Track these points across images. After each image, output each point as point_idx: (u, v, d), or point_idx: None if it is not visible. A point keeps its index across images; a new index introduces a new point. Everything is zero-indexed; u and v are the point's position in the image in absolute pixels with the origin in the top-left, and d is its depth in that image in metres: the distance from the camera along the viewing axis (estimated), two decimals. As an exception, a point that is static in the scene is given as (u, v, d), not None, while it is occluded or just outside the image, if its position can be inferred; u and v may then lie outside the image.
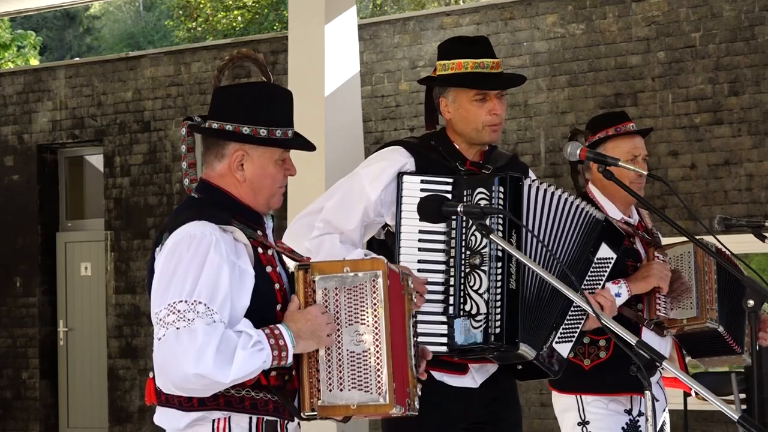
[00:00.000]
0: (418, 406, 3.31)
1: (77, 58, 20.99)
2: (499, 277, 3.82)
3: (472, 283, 3.84)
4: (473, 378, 4.05)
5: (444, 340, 3.87)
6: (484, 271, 3.83)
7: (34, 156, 13.20)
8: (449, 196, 3.92)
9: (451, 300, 3.88)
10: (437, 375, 3.97)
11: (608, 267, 4.19)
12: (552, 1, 10.60)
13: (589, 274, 4.14)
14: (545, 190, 4.02)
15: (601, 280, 4.19)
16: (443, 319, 3.88)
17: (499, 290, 3.82)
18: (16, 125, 13.30)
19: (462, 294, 3.86)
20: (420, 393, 3.34)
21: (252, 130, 3.23)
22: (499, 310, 3.81)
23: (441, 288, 3.90)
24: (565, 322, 4.02)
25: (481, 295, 3.83)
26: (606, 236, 4.16)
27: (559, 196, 4.05)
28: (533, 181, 4.05)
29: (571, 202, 4.07)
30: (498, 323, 3.81)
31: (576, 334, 4.08)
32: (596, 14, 10.42)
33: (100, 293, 12.87)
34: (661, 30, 10.12)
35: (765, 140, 9.73)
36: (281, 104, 3.30)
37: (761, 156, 9.73)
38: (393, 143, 4.16)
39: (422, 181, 3.95)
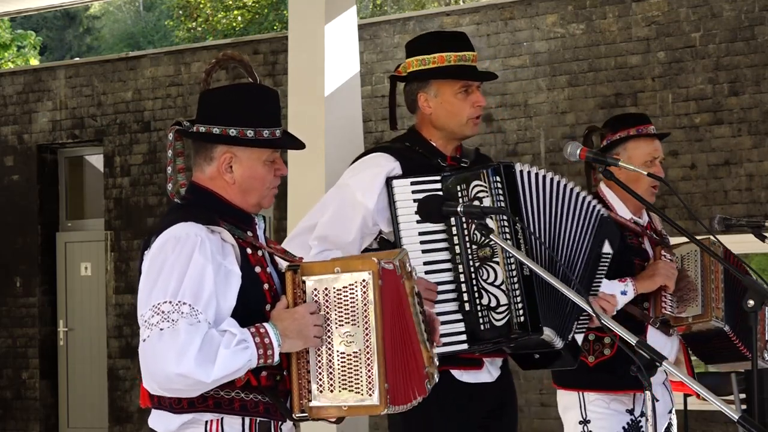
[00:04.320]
0: (437, 379, 3.28)
1: (77, 58, 20.99)
2: (513, 267, 3.79)
3: (485, 277, 3.80)
4: (489, 372, 4.04)
5: (463, 338, 3.82)
6: (497, 263, 3.80)
7: (34, 156, 13.20)
8: (439, 194, 3.88)
9: (465, 296, 3.83)
10: (456, 373, 3.95)
11: (608, 262, 4.17)
12: (552, 1, 10.60)
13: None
14: (537, 174, 3.98)
15: (603, 276, 4.16)
16: (459, 317, 3.83)
17: (515, 279, 3.79)
18: (16, 125, 13.31)
19: (476, 289, 3.82)
20: (438, 363, 3.30)
21: (239, 132, 3.22)
22: (519, 299, 3.78)
23: (452, 286, 3.85)
24: (582, 312, 4.01)
25: (498, 286, 3.79)
26: (608, 231, 4.15)
27: (556, 182, 4.01)
28: (523, 165, 4.01)
29: (572, 189, 4.04)
30: (521, 312, 3.78)
31: (586, 326, 4.09)
32: (596, 14, 10.42)
33: (100, 293, 12.88)
34: (661, 30, 10.12)
35: (765, 140, 9.73)
36: (268, 104, 3.29)
37: (761, 156, 9.73)
38: (374, 150, 4.12)
39: (412, 183, 3.91)
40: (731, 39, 9.85)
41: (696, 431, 9.57)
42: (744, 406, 7.91)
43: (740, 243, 5.48)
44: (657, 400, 4.49)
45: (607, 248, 4.13)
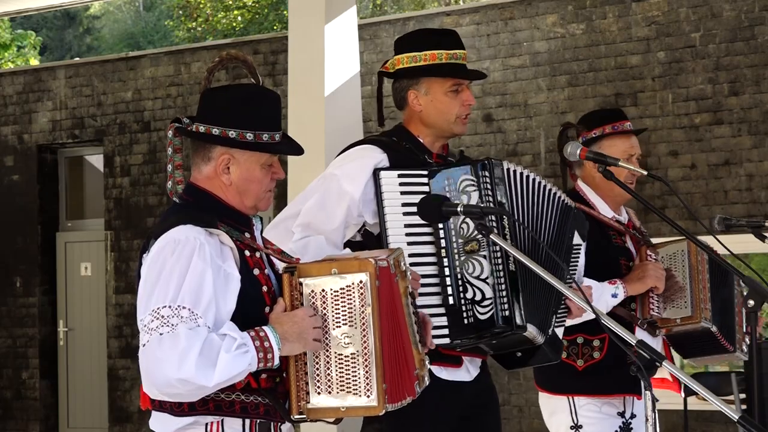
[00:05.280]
0: (428, 381, 3.28)
1: (77, 58, 20.99)
2: (500, 261, 3.78)
3: (471, 270, 3.79)
4: (468, 371, 4.02)
5: (445, 332, 3.80)
6: (483, 257, 3.79)
7: (34, 156, 13.20)
8: (426, 188, 3.88)
9: (450, 290, 3.81)
10: (435, 369, 3.90)
11: (579, 253, 4.19)
12: (552, 1, 10.60)
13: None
14: (520, 173, 3.99)
15: (576, 266, 4.17)
16: (442, 310, 3.81)
17: (501, 273, 3.78)
18: (16, 125, 13.31)
19: (461, 283, 3.81)
20: (429, 365, 3.31)
21: (238, 134, 3.20)
22: (505, 293, 3.77)
23: (436, 280, 3.83)
24: (560, 306, 4.01)
25: (484, 280, 3.78)
26: (577, 222, 4.16)
27: (535, 180, 4.03)
28: (509, 164, 4.01)
29: (545, 186, 4.05)
30: (506, 306, 3.77)
31: (564, 319, 4.07)
32: (596, 14, 10.42)
33: (100, 293, 12.87)
34: (661, 30, 10.12)
35: (765, 140, 9.73)
36: (269, 107, 3.28)
37: (761, 156, 9.73)
38: (362, 142, 4.11)
39: (399, 176, 3.90)
40: (731, 39, 9.85)
41: (696, 431, 9.57)
42: (744, 406, 7.90)
43: (740, 243, 5.47)
44: (657, 400, 4.49)
45: (577, 239, 4.15)
